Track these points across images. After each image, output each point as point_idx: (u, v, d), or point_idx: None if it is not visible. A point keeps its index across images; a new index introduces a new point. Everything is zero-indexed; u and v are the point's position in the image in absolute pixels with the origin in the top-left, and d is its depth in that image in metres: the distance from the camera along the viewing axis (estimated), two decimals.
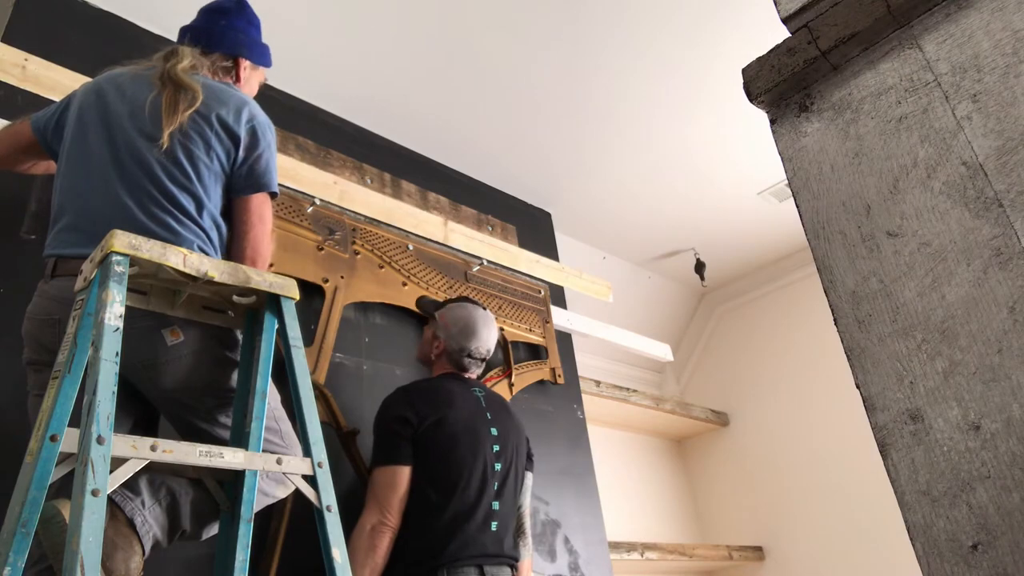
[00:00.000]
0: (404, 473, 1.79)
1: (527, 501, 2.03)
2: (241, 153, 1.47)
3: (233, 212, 1.49)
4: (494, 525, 1.82)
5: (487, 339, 2.07)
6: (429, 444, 1.82)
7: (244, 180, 1.48)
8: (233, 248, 1.48)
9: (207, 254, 1.39)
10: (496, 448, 1.92)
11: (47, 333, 1.35)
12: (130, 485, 1.24)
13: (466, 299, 2.19)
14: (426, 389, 1.95)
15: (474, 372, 2.08)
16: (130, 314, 1.24)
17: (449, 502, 1.77)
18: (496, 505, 1.85)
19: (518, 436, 2.02)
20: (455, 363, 2.04)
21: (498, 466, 1.90)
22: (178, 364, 1.33)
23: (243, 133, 1.47)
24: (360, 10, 2.34)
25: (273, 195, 1.53)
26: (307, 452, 1.28)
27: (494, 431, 1.94)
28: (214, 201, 1.45)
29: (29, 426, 1.25)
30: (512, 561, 1.85)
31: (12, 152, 1.59)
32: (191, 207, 1.40)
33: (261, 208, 1.50)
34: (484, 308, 2.14)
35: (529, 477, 2.05)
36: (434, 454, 1.81)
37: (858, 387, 0.83)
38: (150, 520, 1.25)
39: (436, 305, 2.17)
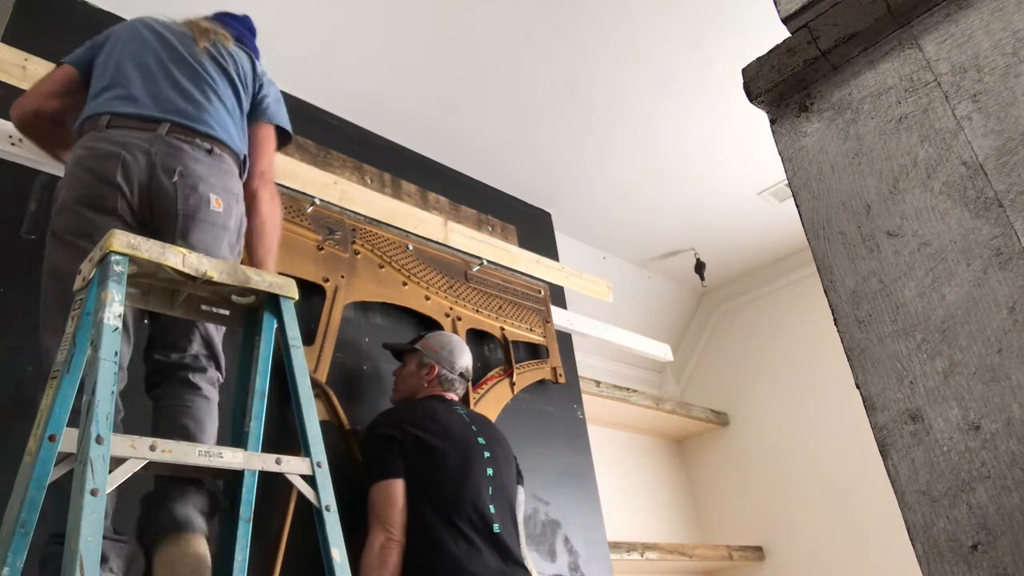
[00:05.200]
0: (399, 486, 1.82)
1: (521, 515, 2.06)
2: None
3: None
4: (496, 527, 1.84)
5: (470, 358, 2.19)
6: (420, 456, 1.84)
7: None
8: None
9: (226, 143, 1.59)
10: (487, 455, 1.95)
11: (109, 166, 1.41)
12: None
13: (432, 331, 2.31)
14: (409, 409, 2.00)
15: (459, 393, 2.13)
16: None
17: (447, 510, 1.79)
18: (493, 508, 1.87)
19: (506, 449, 2.07)
20: (447, 384, 2.09)
21: (490, 471, 1.93)
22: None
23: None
24: (360, 10, 2.33)
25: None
26: (306, 452, 1.27)
27: (481, 440, 1.98)
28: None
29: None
30: (523, 570, 1.86)
31: (53, 96, 1.66)
32: (235, 108, 1.65)
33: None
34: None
35: (521, 492, 2.08)
36: (426, 465, 1.84)
37: (858, 387, 0.83)
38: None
39: (408, 341, 2.22)
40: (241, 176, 1.64)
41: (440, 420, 1.93)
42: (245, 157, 1.67)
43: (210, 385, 1.47)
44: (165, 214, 1.44)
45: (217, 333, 1.51)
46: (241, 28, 1.85)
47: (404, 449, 1.85)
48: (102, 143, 1.45)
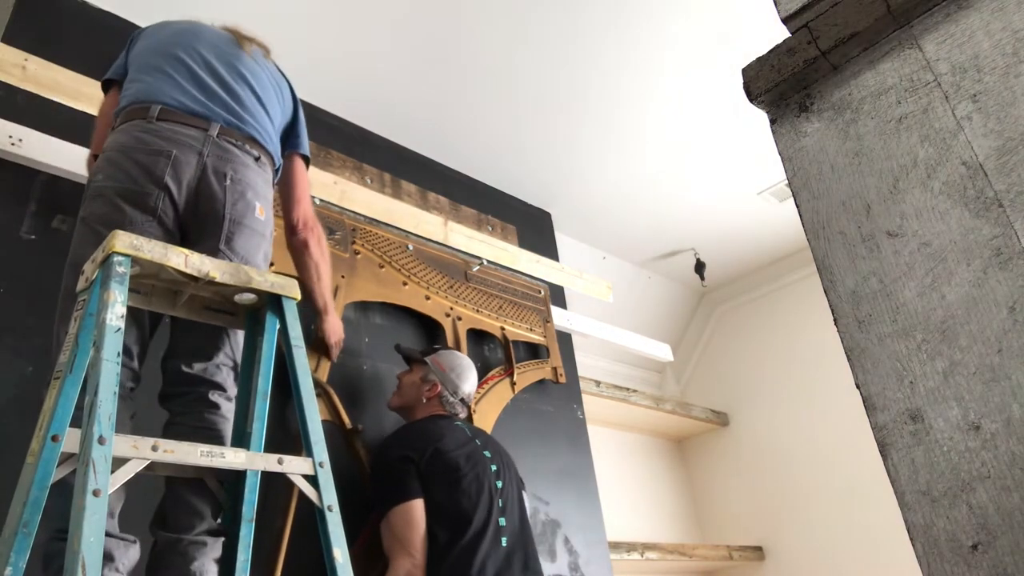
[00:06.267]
0: (419, 507, 1.79)
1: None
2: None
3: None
4: (504, 540, 1.84)
5: (474, 383, 2.18)
6: (433, 476, 1.83)
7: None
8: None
9: (270, 152, 1.58)
10: (494, 467, 1.96)
11: (159, 164, 1.38)
12: None
13: (449, 347, 2.31)
14: (417, 429, 1.99)
15: (459, 415, 2.12)
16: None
17: (463, 529, 1.78)
18: (503, 521, 1.87)
19: (508, 461, 2.07)
20: (447, 406, 2.08)
21: (499, 484, 1.93)
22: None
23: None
24: (360, 10, 2.34)
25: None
26: (308, 452, 1.28)
27: (487, 453, 1.98)
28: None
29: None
30: None
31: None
32: (277, 115, 1.65)
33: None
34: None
35: (525, 498, 2.09)
36: (440, 484, 1.83)
37: (858, 387, 0.83)
38: None
39: (420, 351, 2.21)
40: (272, 185, 1.63)
41: (450, 438, 1.92)
42: (280, 167, 1.66)
43: (227, 402, 1.42)
44: (212, 218, 1.41)
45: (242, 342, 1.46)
46: None
47: (420, 469, 1.83)
48: (153, 136, 1.41)
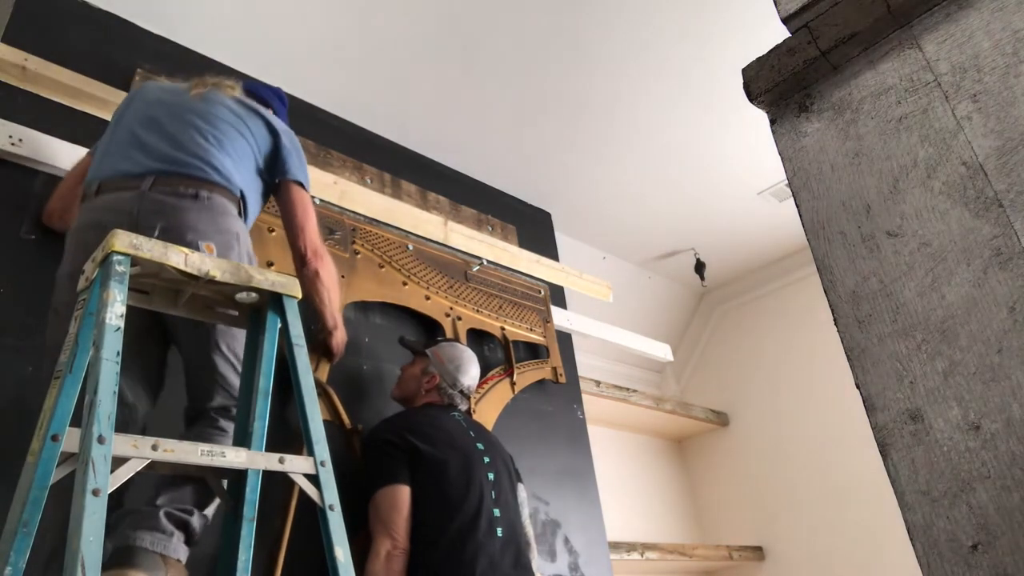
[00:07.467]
0: (405, 493, 1.80)
1: (526, 513, 2.06)
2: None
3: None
4: (499, 531, 1.84)
5: (475, 376, 2.18)
6: (423, 465, 1.84)
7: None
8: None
9: (217, 183, 1.52)
10: (487, 460, 1.96)
11: (95, 238, 1.38)
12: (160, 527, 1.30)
13: (452, 339, 2.32)
14: (409, 417, 2.00)
15: (458, 407, 2.13)
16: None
17: (453, 517, 1.78)
18: (497, 512, 1.87)
19: (503, 451, 2.08)
20: (445, 397, 2.09)
21: (491, 476, 1.94)
22: None
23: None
24: (361, 10, 2.34)
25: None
26: (310, 451, 1.28)
27: (480, 445, 1.99)
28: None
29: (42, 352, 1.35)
30: (529, 574, 1.86)
31: (63, 194, 1.73)
32: (238, 147, 1.61)
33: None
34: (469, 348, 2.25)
35: (522, 489, 2.09)
36: (429, 473, 1.83)
37: (858, 387, 0.83)
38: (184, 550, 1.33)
39: (422, 343, 2.22)
40: (242, 215, 1.59)
41: (441, 428, 1.93)
42: (243, 193, 1.60)
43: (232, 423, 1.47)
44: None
45: (232, 370, 1.48)
46: (270, 95, 1.84)
47: (408, 456, 1.84)
48: (90, 213, 1.44)
